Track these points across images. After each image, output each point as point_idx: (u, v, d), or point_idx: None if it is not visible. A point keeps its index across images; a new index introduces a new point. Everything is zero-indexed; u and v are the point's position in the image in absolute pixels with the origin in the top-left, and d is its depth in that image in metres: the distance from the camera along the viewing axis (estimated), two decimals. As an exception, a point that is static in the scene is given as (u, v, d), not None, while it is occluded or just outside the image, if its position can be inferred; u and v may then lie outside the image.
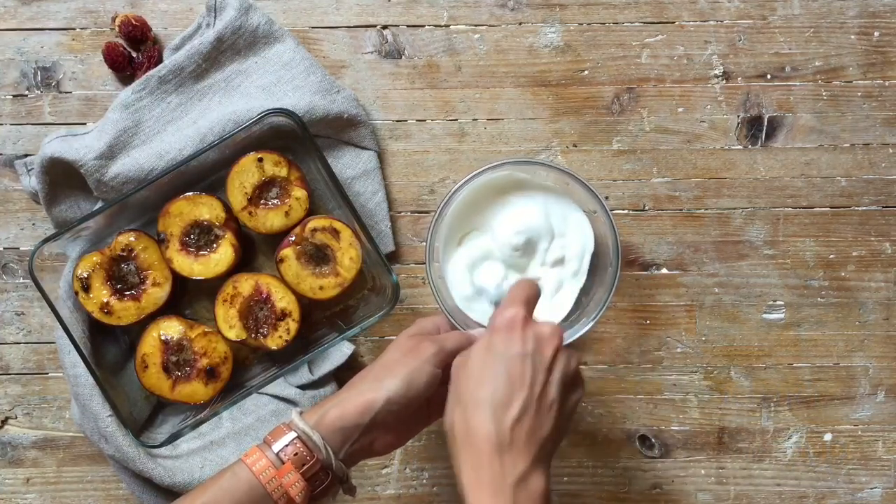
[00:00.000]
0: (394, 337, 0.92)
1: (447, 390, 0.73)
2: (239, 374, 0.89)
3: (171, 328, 0.85)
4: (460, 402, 0.69)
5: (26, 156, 0.91)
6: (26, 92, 0.91)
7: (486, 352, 0.70)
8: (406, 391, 0.71)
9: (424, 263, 0.82)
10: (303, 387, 0.88)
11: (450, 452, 0.69)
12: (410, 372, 0.72)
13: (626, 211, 0.91)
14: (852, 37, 0.91)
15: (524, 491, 0.66)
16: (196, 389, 0.85)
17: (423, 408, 0.75)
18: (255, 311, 0.86)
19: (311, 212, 0.87)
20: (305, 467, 0.69)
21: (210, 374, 0.85)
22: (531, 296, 0.74)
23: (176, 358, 0.85)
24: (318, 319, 0.90)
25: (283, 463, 0.69)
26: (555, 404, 0.69)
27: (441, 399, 0.73)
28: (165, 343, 0.85)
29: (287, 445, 0.70)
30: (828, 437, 0.92)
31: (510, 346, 0.69)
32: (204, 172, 0.87)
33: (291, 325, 0.85)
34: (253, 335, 0.86)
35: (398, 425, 0.73)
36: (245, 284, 0.85)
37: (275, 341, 0.85)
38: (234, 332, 0.85)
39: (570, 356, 0.72)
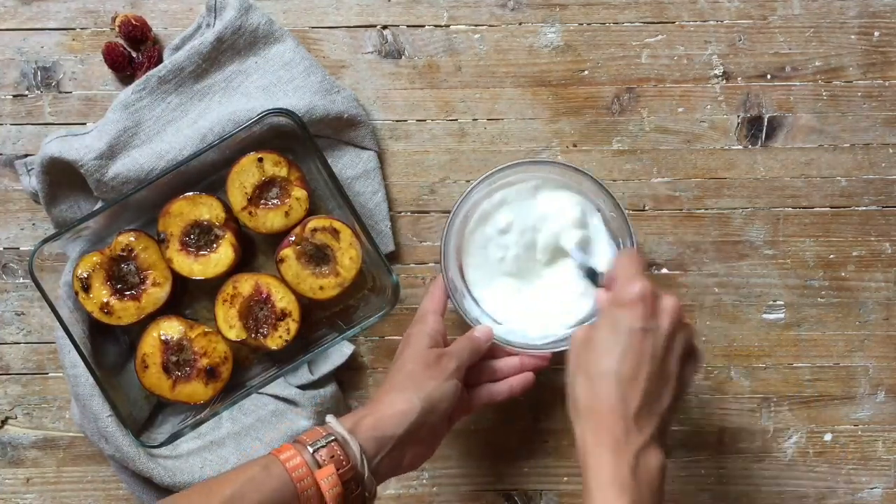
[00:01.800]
0: (394, 337, 0.92)
1: (465, 397, 0.78)
2: (239, 374, 0.89)
3: (172, 328, 0.85)
4: (587, 374, 0.71)
5: (26, 156, 0.91)
6: (26, 92, 0.91)
7: (612, 327, 0.70)
8: (438, 403, 0.74)
9: (439, 262, 0.82)
10: (303, 387, 0.88)
11: (572, 420, 0.71)
12: (439, 386, 0.75)
13: (626, 211, 0.91)
14: (852, 37, 0.91)
15: (643, 463, 0.67)
16: (196, 389, 0.85)
17: (447, 418, 0.77)
18: (255, 311, 0.86)
19: (311, 212, 0.87)
20: (340, 471, 0.69)
21: (210, 374, 0.85)
22: (644, 265, 0.75)
23: (176, 358, 0.85)
24: (318, 319, 0.90)
25: (319, 464, 0.69)
26: (673, 377, 0.71)
27: (460, 406, 0.77)
28: (165, 343, 0.85)
29: (324, 447, 0.70)
30: (828, 437, 0.92)
31: (635, 321, 0.70)
32: (204, 172, 0.87)
33: (291, 325, 0.85)
34: (253, 335, 0.86)
35: (428, 436, 0.76)
36: (245, 284, 0.85)
37: (275, 341, 0.85)
38: (234, 332, 0.85)
39: (688, 329, 0.72)
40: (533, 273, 0.86)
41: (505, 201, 0.85)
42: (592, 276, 0.83)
